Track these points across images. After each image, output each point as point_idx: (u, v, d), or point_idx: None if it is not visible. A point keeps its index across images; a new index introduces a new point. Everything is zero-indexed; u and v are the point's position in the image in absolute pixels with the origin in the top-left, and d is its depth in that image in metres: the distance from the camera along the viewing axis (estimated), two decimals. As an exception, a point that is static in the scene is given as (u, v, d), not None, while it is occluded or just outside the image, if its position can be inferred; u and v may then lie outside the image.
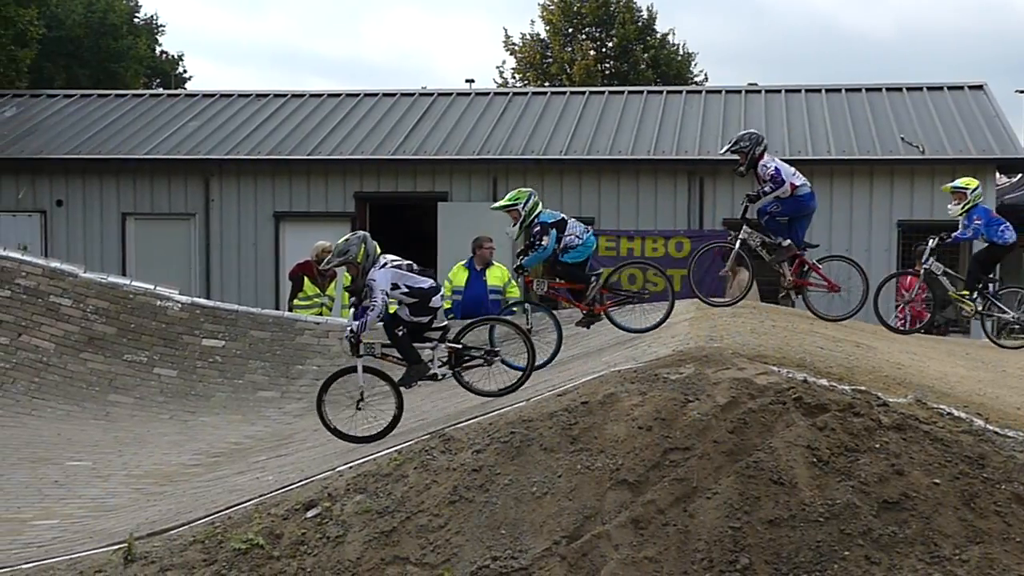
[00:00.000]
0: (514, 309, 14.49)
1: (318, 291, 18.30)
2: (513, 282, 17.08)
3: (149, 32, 48.45)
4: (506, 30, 68.04)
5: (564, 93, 28.02)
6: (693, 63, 49.55)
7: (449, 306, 17.47)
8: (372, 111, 26.15)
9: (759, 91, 27.13)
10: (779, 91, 26.74)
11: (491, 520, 7.29)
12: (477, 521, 7.28)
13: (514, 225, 12.35)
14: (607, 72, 47.54)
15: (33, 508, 10.63)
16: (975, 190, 14.93)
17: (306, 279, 18.48)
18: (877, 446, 7.51)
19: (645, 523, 7.17)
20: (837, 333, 12.39)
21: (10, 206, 24.18)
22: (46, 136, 25.51)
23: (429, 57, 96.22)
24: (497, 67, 59.28)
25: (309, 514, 7.63)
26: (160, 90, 36.97)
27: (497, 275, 17.19)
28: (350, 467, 8.38)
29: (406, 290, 10.65)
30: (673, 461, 7.47)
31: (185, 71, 51.45)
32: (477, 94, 27.85)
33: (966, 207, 14.82)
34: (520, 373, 10.72)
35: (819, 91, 26.39)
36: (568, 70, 47.18)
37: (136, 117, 26.37)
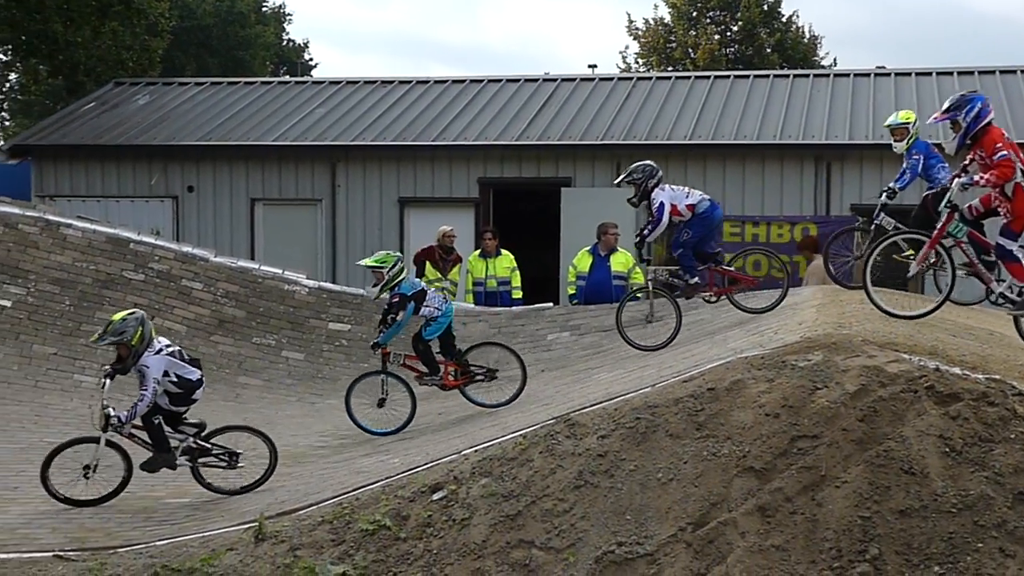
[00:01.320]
0: (638, 295, 14.46)
1: (439, 276, 18.43)
2: (638, 267, 17.03)
3: (276, 20, 49.20)
4: (629, 15, 67.54)
5: (688, 78, 27.77)
6: (819, 46, 48.85)
7: (574, 292, 17.51)
8: (496, 97, 26.20)
9: (888, 74, 26.60)
10: (909, 74, 26.19)
11: (616, 505, 7.27)
12: (602, 506, 7.28)
13: (375, 285, 12.73)
14: (731, 56, 47.06)
15: (166, 487, 10.88)
16: (915, 123, 13.86)
17: (428, 264, 18.62)
18: (1012, 436, 7.34)
19: (772, 511, 7.10)
20: (969, 321, 12.13)
21: (143, 192, 24.71)
22: (178, 123, 26.01)
23: (550, 43, 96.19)
24: (620, 52, 58.93)
25: (435, 497, 7.70)
26: (287, 77, 37.47)
27: (621, 261, 17.17)
28: (475, 451, 8.44)
29: (175, 379, 10.48)
30: (801, 449, 7.39)
31: (311, 58, 52.18)
32: (600, 79, 27.74)
33: (910, 141, 13.78)
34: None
35: (950, 74, 25.78)
36: (692, 54, 46.81)
37: (264, 104, 26.75)
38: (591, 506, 7.30)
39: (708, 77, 27.42)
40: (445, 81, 27.65)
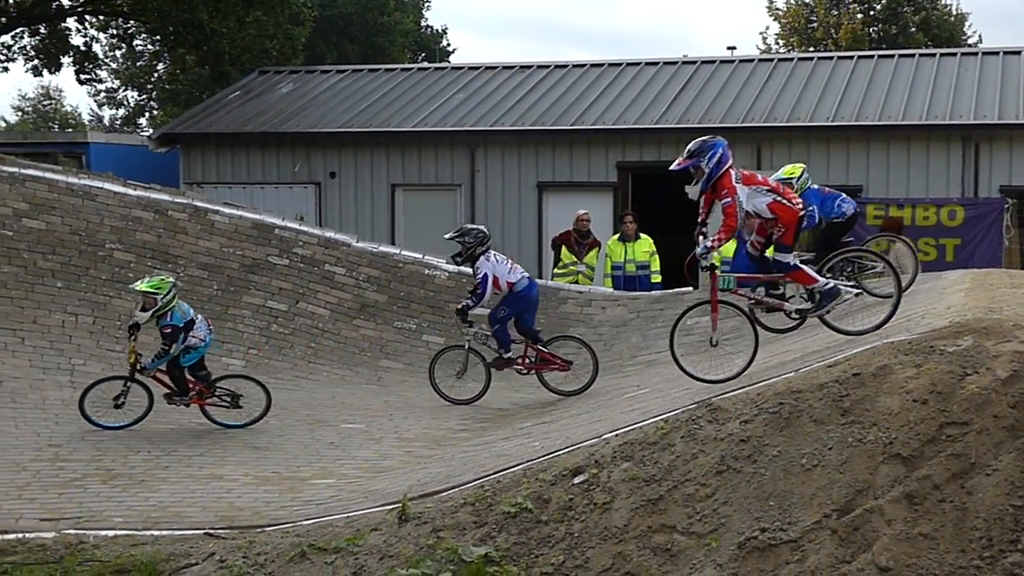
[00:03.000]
0: (454, 349, 14.68)
1: (575, 259, 18.43)
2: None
3: (414, 7, 49.60)
4: (769, -5, 66.56)
5: (831, 58, 27.28)
6: (967, 24, 47.58)
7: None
8: (634, 81, 26.08)
9: (1040, 52, 25.83)
10: (1063, 51, 25.41)
11: (759, 491, 7.20)
12: (745, 492, 7.21)
13: (143, 309, 12.56)
14: (875, 36, 46.11)
15: (311, 467, 11.09)
16: (801, 176, 14.23)
17: (564, 248, 18.64)
18: None
19: (920, 499, 6.96)
20: None
21: (287, 178, 25.16)
22: (320, 111, 26.42)
23: (686, 26, 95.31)
24: (760, 33, 58.14)
25: (576, 480, 7.71)
26: (426, 64, 37.79)
27: None
28: (616, 435, 8.42)
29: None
30: (950, 436, 7.22)
31: (449, 44, 52.47)
32: (741, 61, 27.43)
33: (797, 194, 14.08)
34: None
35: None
36: (834, 35, 45.98)
37: (404, 91, 27.02)
38: (733, 491, 7.24)
39: (851, 57, 26.91)
40: (583, 65, 27.60)
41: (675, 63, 27.26)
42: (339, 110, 26.24)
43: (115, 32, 34.62)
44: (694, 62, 27.21)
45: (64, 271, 15.75)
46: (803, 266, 10.20)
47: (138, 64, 45.28)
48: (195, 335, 12.71)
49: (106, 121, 55.65)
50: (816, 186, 14.56)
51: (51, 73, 34.21)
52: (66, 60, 33.73)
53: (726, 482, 7.30)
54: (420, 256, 17.59)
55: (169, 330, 12.49)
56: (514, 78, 27.17)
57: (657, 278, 18.01)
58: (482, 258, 14.31)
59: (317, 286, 17.01)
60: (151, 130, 42.79)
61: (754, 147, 22.93)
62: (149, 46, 38.08)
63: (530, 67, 27.88)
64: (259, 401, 12.95)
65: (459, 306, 14.45)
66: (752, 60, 27.71)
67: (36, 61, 33.66)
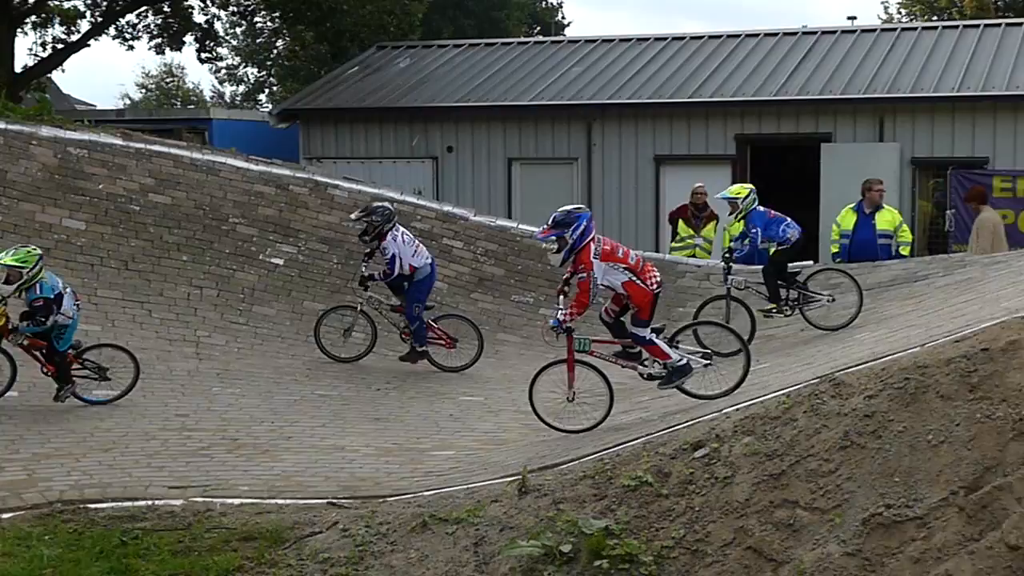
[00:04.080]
0: (343, 311, 14.94)
1: (691, 232, 18.31)
2: (905, 225, 16.52)
3: (530, -19, 49.55)
4: (891, -36, 65.27)
5: (956, 27, 26.67)
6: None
7: (837, 250, 17.11)
8: (753, 52, 25.75)
9: None
10: None
11: (884, 467, 7.10)
12: (869, 468, 7.11)
13: (6, 282, 12.12)
14: (1001, 4, 44.93)
15: (431, 439, 11.20)
16: (747, 197, 14.33)
17: (680, 221, 18.52)
18: None
19: (1051, 477, 6.80)
20: None
21: (404, 153, 25.34)
22: (437, 85, 26.54)
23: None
24: (881, 3, 56.93)
25: (697, 454, 7.67)
26: (542, 37, 37.74)
27: (887, 219, 16.68)
28: (737, 409, 8.37)
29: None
30: (1083, 413, 7.04)
31: (563, 17, 52.34)
32: (862, 31, 26.91)
33: (739, 217, 14.48)
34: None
35: None
36: (959, 3, 44.89)
37: (521, 65, 27.01)
38: (857, 467, 7.14)
39: (977, 26, 26.26)
40: (701, 37, 27.34)
41: (795, 34, 26.86)
42: (456, 84, 26.33)
43: (235, 10, 35.13)
44: (814, 32, 26.79)
45: (189, 245, 16.05)
46: (658, 341, 10.41)
47: (258, 41, 45.91)
48: (64, 312, 12.24)
49: (227, 97, 56.60)
50: (762, 208, 14.59)
51: (173, 51, 34.88)
52: (188, 38, 34.35)
53: (850, 457, 7.21)
54: (538, 230, 17.57)
55: (41, 303, 12.06)
56: (631, 51, 27.00)
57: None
58: (389, 236, 14.46)
59: (436, 259, 17.08)
60: (270, 106, 43.37)
61: (877, 118, 22.56)
62: (269, 23, 38.54)
63: (647, 40, 27.69)
64: (128, 370, 12.58)
65: (364, 274, 14.65)
66: (874, 30, 27.15)
67: (159, 39, 34.31)
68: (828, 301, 14.27)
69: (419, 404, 12.90)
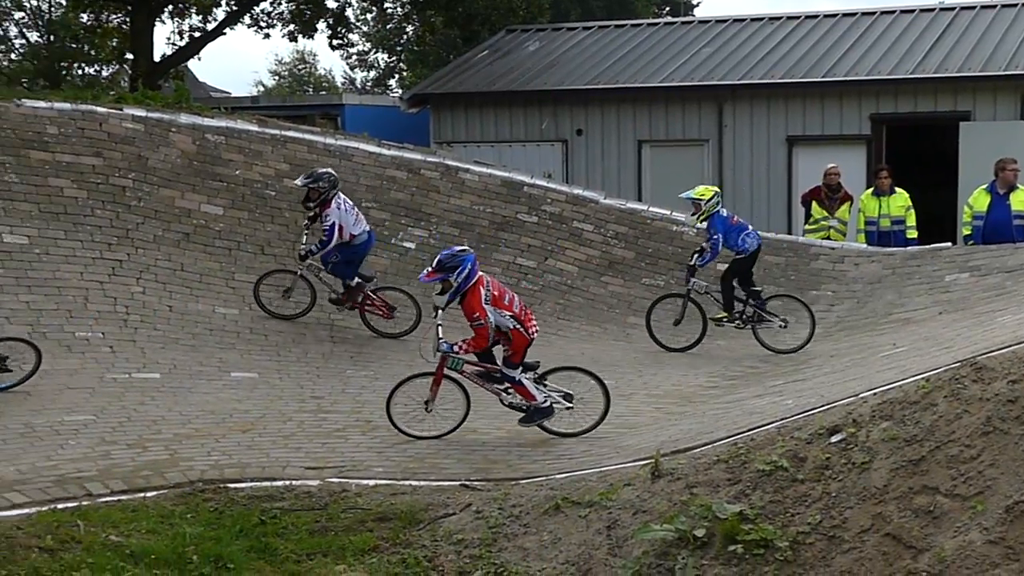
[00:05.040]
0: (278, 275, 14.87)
1: (826, 214, 18.03)
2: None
3: (659, -38, 49.14)
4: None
5: (1102, 0, 25.81)
6: None
7: (969, 232, 16.73)
8: (889, 29, 25.20)
9: None
10: None
11: (1028, 454, 6.91)
12: (1013, 454, 6.93)
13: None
14: None
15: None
16: (710, 200, 14.52)
17: (814, 203, 18.25)
18: None
19: None
20: None
21: (534, 136, 25.33)
22: (566, 68, 26.48)
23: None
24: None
25: (833, 439, 7.56)
26: (672, 18, 37.44)
27: (1022, 199, 16.24)
28: (875, 393, 8.23)
29: None
30: None
31: (693, -3, 51.79)
32: (1003, 6, 26.14)
33: (701, 218, 14.64)
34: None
35: None
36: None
37: (651, 46, 26.81)
38: (1001, 453, 6.97)
39: None
40: (834, 15, 26.84)
41: (932, 10, 26.23)
42: (585, 67, 26.24)
43: (367, -4, 35.52)
44: (952, 8, 26.12)
45: (323, 229, 16.27)
46: (526, 382, 10.45)
47: (388, 27, 46.28)
48: None
49: (358, 83, 57.20)
50: (726, 212, 14.79)
51: (306, 38, 35.36)
52: (321, 25, 34.77)
53: (992, 443, 7.03)
54: (668, 212, 17.50)
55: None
56: (763, 30, 26.63)
57: (913, 233, 17.47)
58: (333, 204, 14.46)
59: (565, 243, 17.12)
60: (400, 91, 43.72)
61: (1018, 95, 21.93)
62: (399, 9, 38.83)
63: (779, 18, 27.28)
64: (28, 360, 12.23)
65: (302, 251, 14.64)
66: (1016, 5, 26.38)
67: (293, 27, 34.80)
68: (780, 325, 14.60)
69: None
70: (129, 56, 33.43)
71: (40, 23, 39.64)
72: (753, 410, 10.18)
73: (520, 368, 10.47)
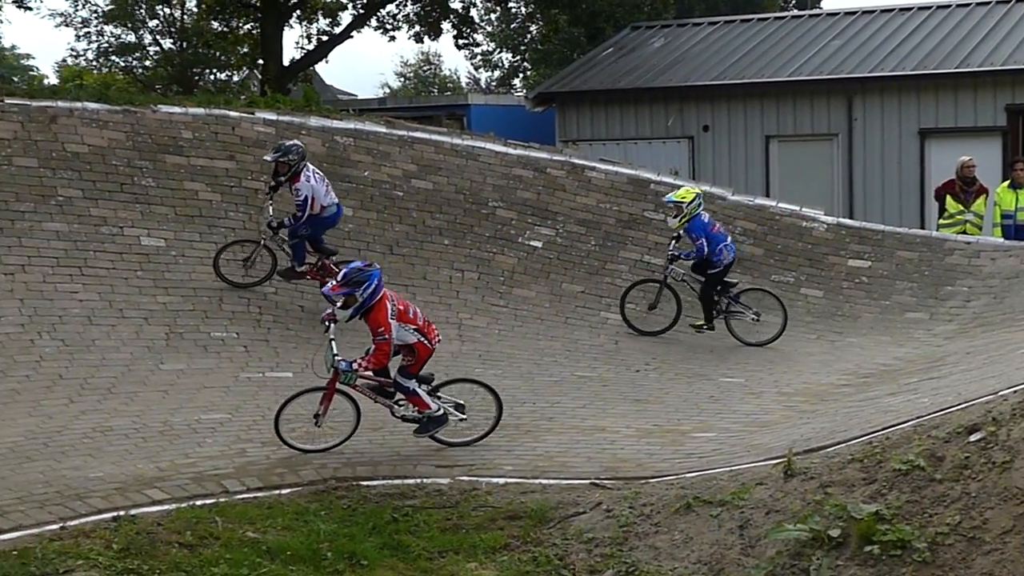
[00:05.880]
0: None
1: (960, 208, 17.64)
2: None
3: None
4: None
5: None
6: None
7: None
8: (1024, 17, 24.63)
9: None
10: None
11: None
12: None
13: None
14: None
15: (691, 421, 11.15)
16: (692, 202, 14.61)
17: (948, 197, 17.86)
18: None
19: None
20: None
21: (660, 133, 25.21)
22: (692, 64, 26.32)
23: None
24: None
25: (972, 438, 7.38)
26: (798, 11, 36.95)
27: None
28: (1015, 392, 8.02)
29: None
30: None
31: (821, -10, 51.03)
32: None
33: (683, 221, 14.65)
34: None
35: None
36: None
37: (777, 40, 26.51)
38: None
39: None
40: (968, 4, 26.24)
41: (1070, -4, 25.54)
42: (711, 63, 26.05)
43: (491, -4, 35.70)
44: (1093, -6, 25.40)
45: (450, 229, 16.38)
46: (420, 392, 10.22)
47: (512, 26, 46.44)
48: None
49: (482, 83, 57.50)
50: (707, 217, 14.94)
51: (432, 40, 35.67)
52: (446, 26, 35.03)
53: None
54: (797, 208, 17.27)
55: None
56: (893, 21, 26.17)
57: None
58: (303, 177, 14.24)
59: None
60: (524, 90, 43.84)
61: None
62: (523, 8, 38.95)
63: (910, 9, 26.77)
64: None
65: (275, 223, 14.44)
66: None
67: (418, 28, 35.12)
68: (752, 318, 14.82)
69: (679, 385, 12.85)
70: (259, 61, 34.06)
71: (173, 30, 40.60)
72: (887, 408, 10.00)
73: (414, 379, 10.25)
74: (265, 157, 14.72)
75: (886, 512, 7.04)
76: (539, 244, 16.54)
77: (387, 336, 9.93)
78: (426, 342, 10.23)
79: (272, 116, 16.77)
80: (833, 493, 7.42)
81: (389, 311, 9.96)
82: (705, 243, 14.68)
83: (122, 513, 8.15)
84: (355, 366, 10.01)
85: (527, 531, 8.02)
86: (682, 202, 14.74)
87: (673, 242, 15.12)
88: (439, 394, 10.42)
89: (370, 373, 10.26)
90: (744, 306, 14.91)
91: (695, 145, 24.92)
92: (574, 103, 26.11)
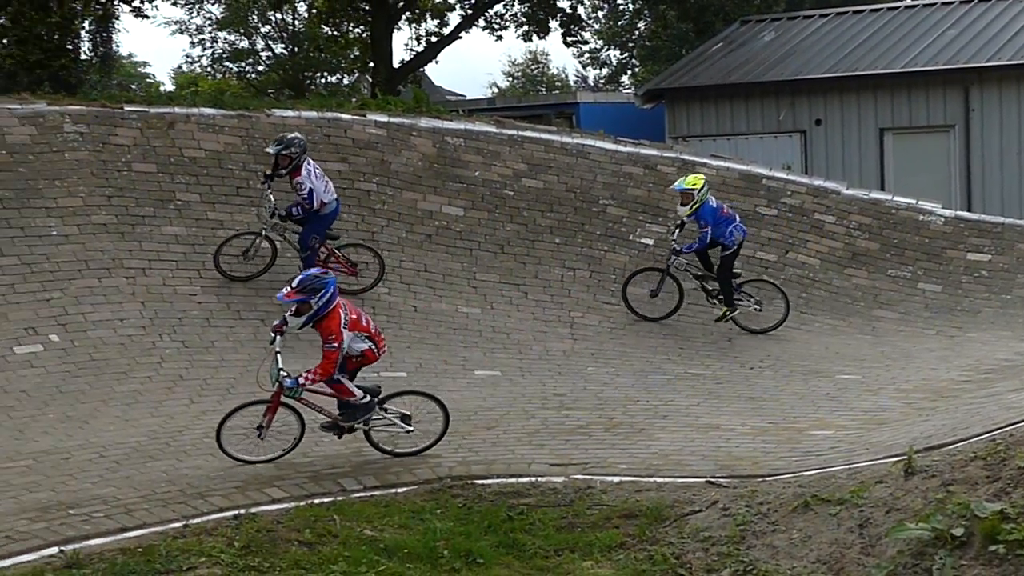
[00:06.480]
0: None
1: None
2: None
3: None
4: None
5: None
6: None
7: None
8: None
9: None
10: None
11: None
12: None
13: None
14: None
15: (808, 418, 11.02)
16: (701, 189, 14.65)
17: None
18: None
19: None
20: None
21: (771, 128, 24.97)
22: (803, 57, 26.00)
23: None
24: None
25: (1101, 435, 7.20)
26: (913, 1, 36.30)
27: None
28: None
29: None
30: None
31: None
32: None
33: (694, 207, 14.62)
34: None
35: None
36: None
37: (891, 31, 26.07)
38: None
39: None
40: (1089, -11, 25.60)
41: None
42: (823, 55, 25.72)
43: (599, -7, 35.69)
44: None
45: (561, 227, 16.37)
46: (344, 381, 10.00)
47: (619, 23, 46.31)
48: None
49: (590, 81, 57.40)
50: (715, 203, 14.90)
51: (540, 38, 35.72)
52: (553, 24, 35.06)
53: None
54: (913, 201, 17.00)
55: None
56: (1011, 9, 25.60)
57: None
58: (303, 170, 14.03)
59: (806, 235, 16.81)
60: (633, 87, 43.68)
61: None
62: (630, 5, 38.88)
63: (1027, -4, 26.19)
64: None
65: (283, 212, 14.22)
66: None
67: (526, 27, 35.19)
68: (755, 308, 15.00)
69: (794, 383, 12.72)
70: (370, 64, 34.40)
71: (285, 35, 41.18)
72: (1011, 405, 9.79)
73: (347, 375, 10.04)
74: (267, 150, 14.47)
75: (1011, 511, 6.87)
76: (650, 242, 16.47)
77: (336, 344, 9.72)
78: (375, 349, 10.11)
79: (383, 118, 16.90)
80: (956, 491, 7.27)
81: (342, 319, 9.78)
82: (709, 231, 14.72)
83: (243, 511, 8.29)
84: (301, 380, 9.81)
85: (643, 530, 7.98)
86: (693, 189, 14.80)
87: (676, 231, 15.14)
88: (386, 406, 10.21)
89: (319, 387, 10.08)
90: (747, 295, 15.03)
91: (807, 139, 24.64)
92: (684, 99, 25.96)
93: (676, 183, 15.16)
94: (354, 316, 9.95)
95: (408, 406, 10.32)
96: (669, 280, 15.15)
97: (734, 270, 15.02)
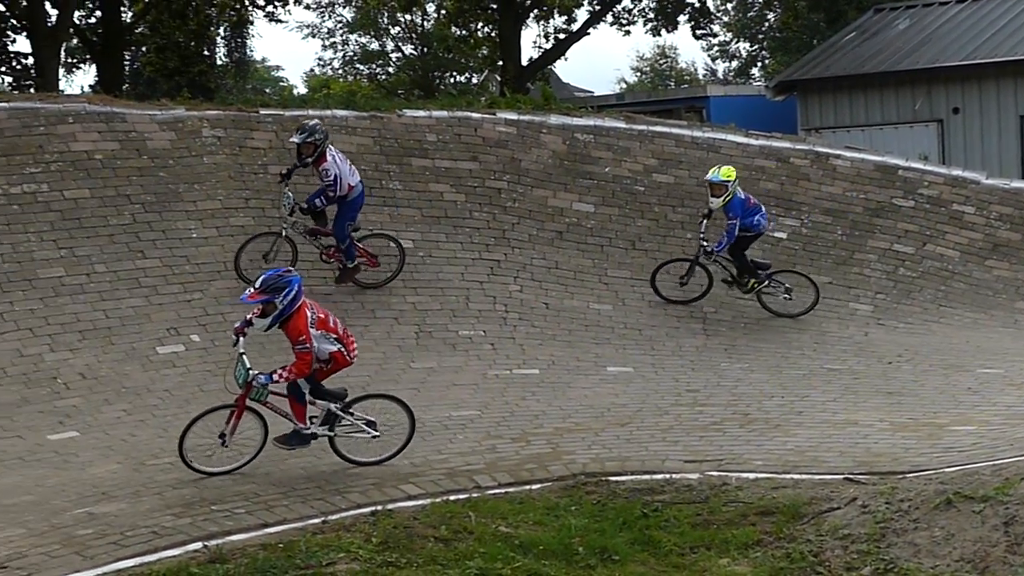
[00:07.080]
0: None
1: None
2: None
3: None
4: None
5: None
6: None
7: None
8: None
9: None
10: None
11: None
12: None
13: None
14: None
15: (948, 414, 10.79)
16: (735, 181, 14.62)
17: None
18: None
19: None
20: None
21: (906, 117, 24.48)
22: (940, 44, 25.45)
23: None
24: None
25: None
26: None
27: None
28: None
29: None
30: None
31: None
32: None
33: (726, 199, 14.54)
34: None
35: None
36: None
37: (1032, 15, 25.46)
38: None
39: None
40: None
41: None
42: (961, 42, 25.14)
43: (727, -15, 35.40)
44: None
45: (693, 223, 16.07)
46: (306, 404, 9.79)
47: (749, 15, 45.86)
48: None
49: (719, 74, 56.93)
50: (742, 195, 14.75)
51: (668, 32, 35.60)
52: (682, 18, 34.87)
53: None
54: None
55: None
56: None
57: None
58: (328, 157, 13.75)
59: (945, 227, 16.45)
60: (764, 80, 43.22)
61: None
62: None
63: None
64: None
65: (304, 205, 13.97)
66: None
67: (655, 22, 35.05)
68: (784, 296, 14.86)
69: (934, 378, 12.46)
70: (498, 62, 34.58)
71: (415, 36, 41.60)
72: None
73: (312, 387, 9.82)
74: (292, 139, 14.28)
75: None
76: (784, 235, 16.27)
77: (308, 345, 9.54)
78: (344, 352, 9.89)
79: (513, 116, 16.95)
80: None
81: (308, 319, 9.60)
82: (736, 224, 14.61)
83: (379, 507, 8.39)
84: (275, 377, 9.63)
85: (780, 527, 7.89)
86: (728, 181, 14.68)
87: (704, 221, 14.96)
88: (352, 410, 10.00)
89: (285, 390, 9.91)
90: (778, 283, 14.92)
91: (944, 128, 24.10)
92: (816, 90, 25.60)
93: (710, 174, 14.98)
94: (321, 316, 9.79)
95: (373, 411, 10.19)
96: (698, 268, 15.02)
97: (762, 260, 15.06)
